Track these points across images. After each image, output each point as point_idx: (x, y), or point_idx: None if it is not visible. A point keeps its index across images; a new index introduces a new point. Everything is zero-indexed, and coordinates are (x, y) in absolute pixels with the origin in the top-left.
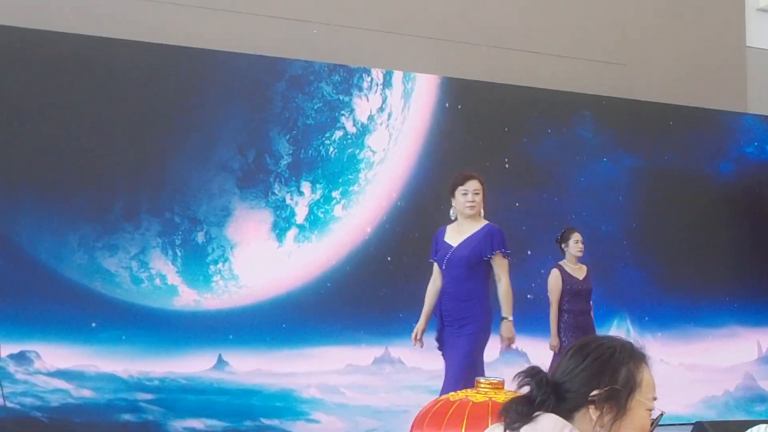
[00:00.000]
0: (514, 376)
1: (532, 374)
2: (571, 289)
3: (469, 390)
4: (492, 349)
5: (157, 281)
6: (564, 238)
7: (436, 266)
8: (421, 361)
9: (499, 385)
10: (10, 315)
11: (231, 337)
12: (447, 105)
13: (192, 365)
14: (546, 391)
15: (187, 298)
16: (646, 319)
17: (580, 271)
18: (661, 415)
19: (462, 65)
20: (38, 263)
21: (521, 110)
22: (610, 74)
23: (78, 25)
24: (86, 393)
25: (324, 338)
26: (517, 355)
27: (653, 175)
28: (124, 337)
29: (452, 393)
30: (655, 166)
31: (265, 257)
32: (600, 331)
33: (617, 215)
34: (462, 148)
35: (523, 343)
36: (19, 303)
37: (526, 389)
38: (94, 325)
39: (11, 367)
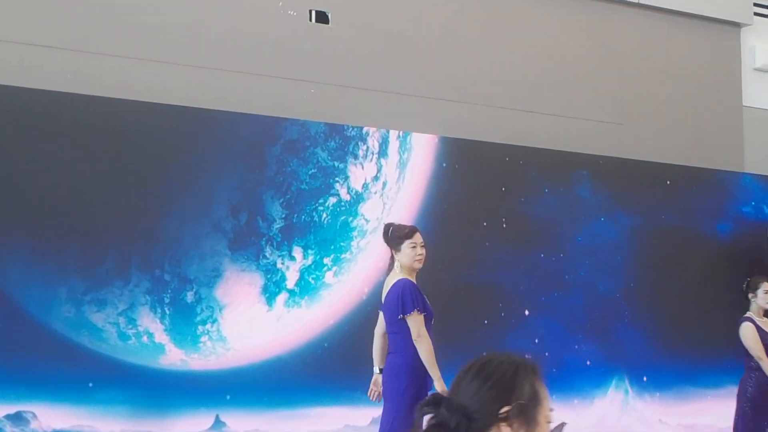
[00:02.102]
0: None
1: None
2: (764, 344)
3: None
4: None
5: (145, 339)
6: (752, 287)
7: (423, 320)
8: None
9: None
10: (5, 374)
11: (228, 397)
12: (444, 165)
13: (189, 425)
14: (458, 415)
15: (173, 357)
16: (645, 379)
17: None
18: (563, 424)
19: (459, 125)
20: (29, 318)
21: (519, 170)
22: (607, 134)
23: (73, 84)
24: None
25: (322, 398)
26: None
27: (651, 234)
28: (121, 398)
29: None
30: (653, 225)
31: (255, 320)
32: (599, 391)
33: (615, 274)
34: (459, 208)
35: None
36: (15, 361)
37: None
38: (91, 385)
39: (8, 428)
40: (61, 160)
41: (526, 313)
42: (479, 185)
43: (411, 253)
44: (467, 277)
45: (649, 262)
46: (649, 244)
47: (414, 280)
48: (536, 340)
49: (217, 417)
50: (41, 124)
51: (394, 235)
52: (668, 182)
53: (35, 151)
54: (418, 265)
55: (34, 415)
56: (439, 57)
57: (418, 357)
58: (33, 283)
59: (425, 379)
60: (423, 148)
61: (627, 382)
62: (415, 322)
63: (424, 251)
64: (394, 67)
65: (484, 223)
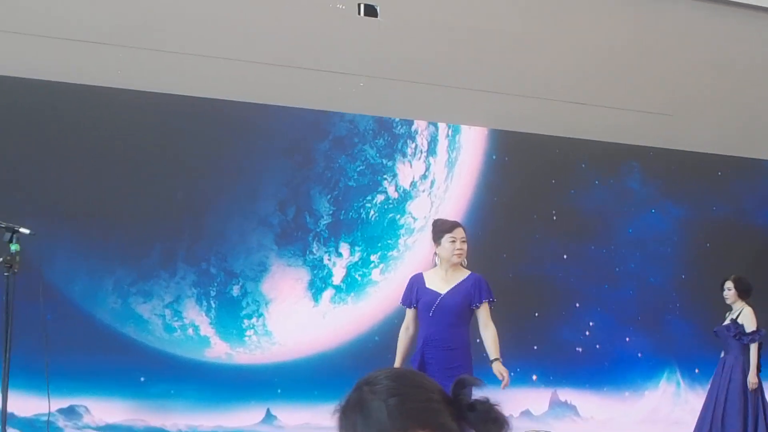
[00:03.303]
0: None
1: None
2: None
3: None
4: (541, 402)
5: (190, 331)
6: None
7: (410, 312)
8: None
9: None
10: (58, 368)
11: (279, 391)
12: (494, 157)
13: (240, 419)
14: None
15: (218, 350)
16: (696, 371)
17: None
18: None
19: (509, 117)
20: (77, 311)
21: (569, 162)
22: (657, 125)
23: (123, 79)
24: None
25: None
26: (566, 408)
27: (702, 225)
28: (172, 392)
29: None
30: (704, 216)
31: (300, 315)
32: (650, 384)
33: (666, 266)
34: (508, 201)
35: (572, 395)
36: (66, 355)
37: None
38: (142, 379)
39: (60, 422)
40: (109, 154)
41: (577, 305)
42: (529, 177)
43: (450, 247)
44: (517, 270)
45: (699, 253)
46: (699, 236)
47: (445, 274)
48: (587, 333)
49: (267, 410)
50: (89, 118)
51: (438, 230)
52: (719, 173)
53: (84, 144)
54: (456, 260)
55: (87, 410)
56: (487, 50)
57: (421, 344)
58: (80, 275)
59: (424, 366)
60: (472, 142)
61: (678, 374)
62: (407, 314)
63: (464, 246)
64: (442, 60)
65: (534, 216)
